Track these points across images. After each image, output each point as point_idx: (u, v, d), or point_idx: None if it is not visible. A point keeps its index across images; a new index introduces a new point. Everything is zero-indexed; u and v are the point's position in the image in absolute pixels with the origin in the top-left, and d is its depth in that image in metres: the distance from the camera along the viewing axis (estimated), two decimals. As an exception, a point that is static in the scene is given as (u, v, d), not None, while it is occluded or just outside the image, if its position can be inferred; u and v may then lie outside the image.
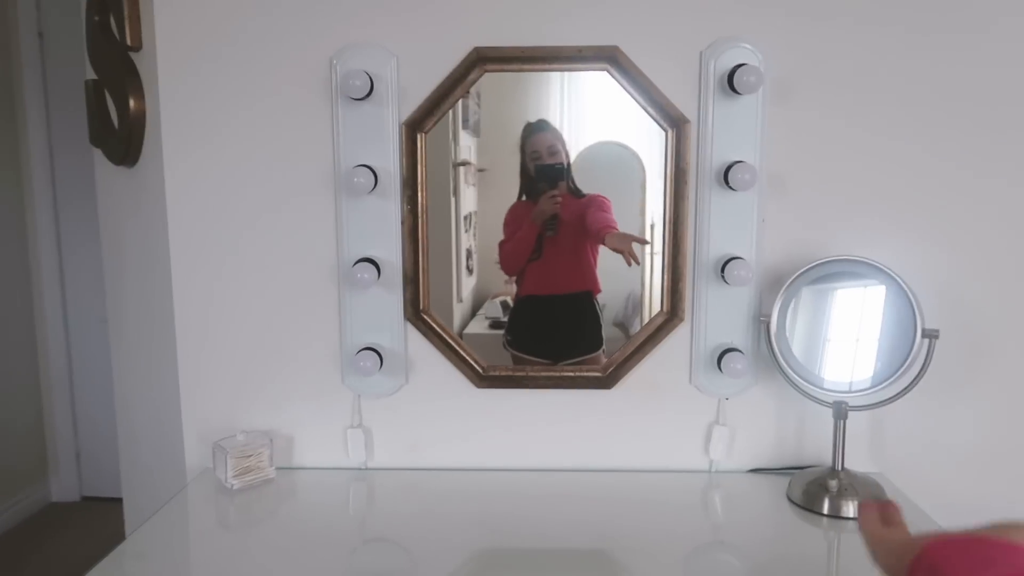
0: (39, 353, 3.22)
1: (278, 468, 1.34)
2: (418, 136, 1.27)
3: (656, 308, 1.31)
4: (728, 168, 1.22)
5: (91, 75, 1.44)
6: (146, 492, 1.63)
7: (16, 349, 3.12)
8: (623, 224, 1.29)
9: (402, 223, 1.29)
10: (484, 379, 1.33)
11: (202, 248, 1.33)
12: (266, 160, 1.30)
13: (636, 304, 1.32)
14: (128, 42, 1.30)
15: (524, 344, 1.33)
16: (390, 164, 1.28)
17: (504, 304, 1.33)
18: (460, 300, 1.33)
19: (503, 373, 1.33)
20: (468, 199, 1.31)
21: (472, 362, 1.33)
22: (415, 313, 1.32)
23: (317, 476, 1.35)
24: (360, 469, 1.37)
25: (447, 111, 1.27)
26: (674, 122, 1.25)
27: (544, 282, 1.32)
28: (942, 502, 1.22)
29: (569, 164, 1.28)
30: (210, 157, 1.30)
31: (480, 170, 1.30)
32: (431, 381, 1.35)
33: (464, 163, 1.30)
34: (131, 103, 1.31)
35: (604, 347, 1.33)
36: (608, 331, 1.33)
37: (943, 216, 1.27)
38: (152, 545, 1.11)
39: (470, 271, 1.33)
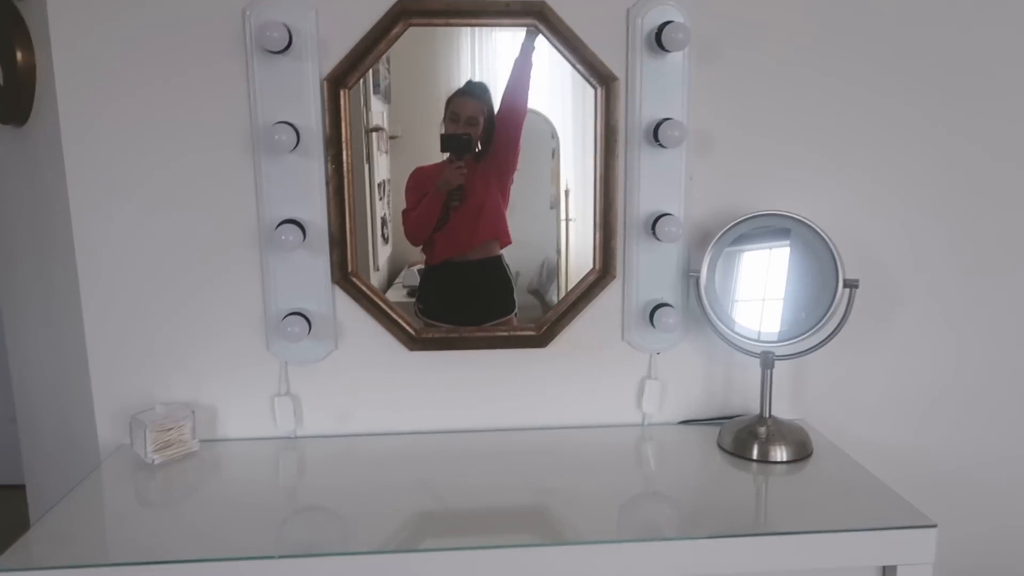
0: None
1: (201, 441, 1.28)
2: (341, 92, 1.22)
3: (573, 273, 1.32)
4: (658, 125, 1.23)
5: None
6: (53, 476, 1.53)
7: None
8: (534, 192, 1.28)
9: (327, 183, 1.24)
10: (416, 342, 1.30)
11: (107, 211, 1.24)
12: (176, 117, 1.22)
13: (552, 271, 1.32)
14: (13, -13, 1.19)
15: (436, 311, 1.31)
16: (311, 122, 1.22)
17: (420, 271, 1.31)
18: (377, 269, 1.30)
19: (435, 336, 1.31)
20: (381, 167, 1.27)
21: (404, 324, 1.30)
22: (343, 276, 1.27)
23: (244, 447, 1.30)
24: (289, 438, 1.33)
25: (370, 67, 1.22)
26: (603, 79, 1.25)
27: (451, 249, 1.30)
28: (858, 447, 1.28)
29: (488, 135, 1.25)
30: (111, 113, 1.21)
31: (392, 137, 1.26)
32: (361, 346, 1.31)
33: (376, 129, 1.26)
34: (18, 55, 1.19)
35: (516, 311, 1.32)
36: (523, 299, 1.32)
37: (862, 170, 1.32)
38: (67, 526, 1.04)
39: (385, 240, 1.29)
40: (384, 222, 1.29)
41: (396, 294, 1.31)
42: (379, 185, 1.28)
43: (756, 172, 1.31)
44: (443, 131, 1.25)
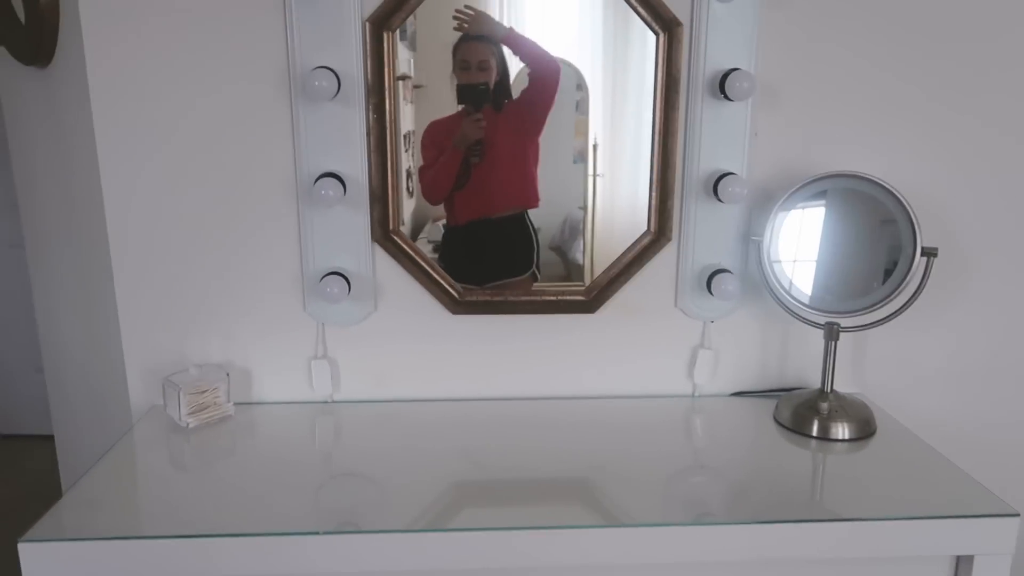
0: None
1: (236, 404, 1.24)
2: (384, 35, 1.13)
3: (600, 231, 1.24)
4: (724, 76, 1.14)
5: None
6: (82, 429, 1.50)
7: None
8: (557, 145, 1.21)
9: (368, 134, 1.17)
10: (460, 304, 1.24)
11: (137, 160, 1.17)
12: (209, 59, 1.14)
13: (575, 228, 1.24)
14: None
15: (454, 268, 1.24)
16: (352, 67, 1.14)
17: (444, 229, 1.24)
18: (403, 224, 1.23)
19: (479, 299, 1.24)
20: (407, 117, 1.19)
21: (447, 287, 1.23)
22: (384, 234, 1.21)
23: (279, 411, 1.25)
24: (326, 403, 1.28)
25: (417, 6, 1.13)
26: (666, 24, 1.15)
27: (472, 208, 1.23)
28: (922, 424, 1.22)
29: (503, 79, 1.17)
30: (141, 55, 1.13)
31: (417, 86, 1.18)
32: (402, 308, 1.25)
33: (404, 77, 1.18)
34: (42, -10, 1.12)
35: (536, 270, 1.25)
36: (545, 255, 1.25)
37: (941, 132, 1.23)
38: (101, 493, 1.00)
39: (410, 193, 1.22)
40: (409, 174, 1.22)
41: (422, 249, 1.24)
42: (404, 136, 1.20)
43: (826, 130, 1.22)
44: (456, 81, 1.17)
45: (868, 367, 1.32)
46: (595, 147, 1.22)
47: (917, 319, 1.28)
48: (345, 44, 1.13)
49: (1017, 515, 0.94)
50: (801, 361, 1.30)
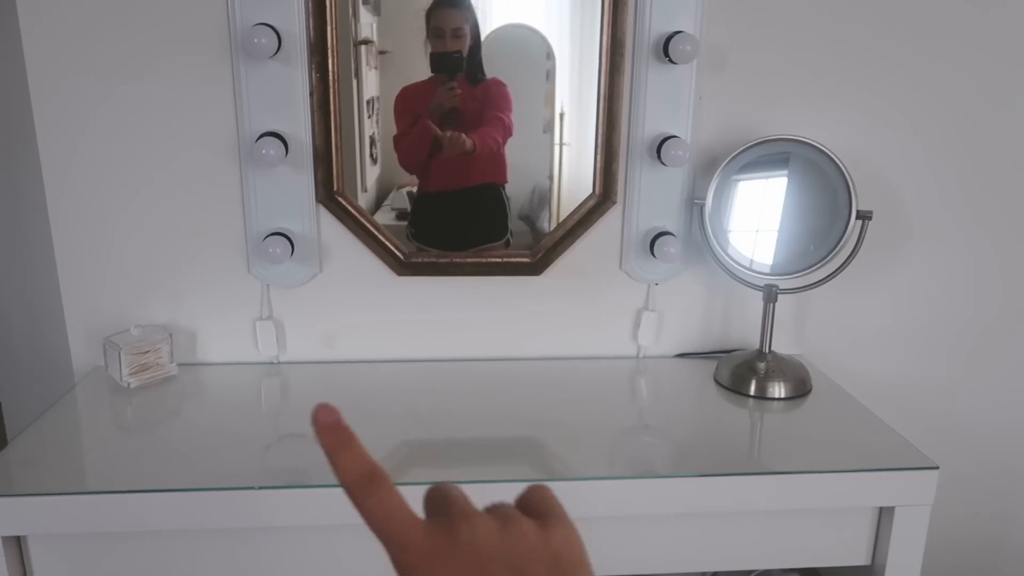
0: None
1: (180, 364, 1.23)
2: (326, -9, 1.12)
3: (566, 200, 1.25)
4: (668, 39, 1.14)
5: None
6: (29, 393, 1.48)
7: None
8: (527, 116, 1.20)
9: (310, 94, 1.15)
10: (405, 266, 1.24)
11: (75, 123, 1.15)
12: (146, 19, 1.12)
13: (543, 197, 1.25)
14: None
15: (428, 236, 1.25)
16: (294, 25, 1.12)
17: (410, 194, 1.24)
18: (365, 190, 1.22)
19: (425, 260, 1.25)
20: (371, 83, 1.18)
21: (392, 248, 1.23)
22: (328, 195, 1.20)
23: (224, 372, 1.25)
24: (272, 363, 1.28)
25: (359, -38, 1.12)
26: (612, -14, 1.15)
27: (447, 177, 1.23)
28: (859, 384, 1.25)
29: (476, 46, 1.16)
30: (77, 17, 1.11)
31: (382, 52, 1.17)
32: (347, 269, 1.25)
33: (365, 42, 1.16)
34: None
35: (510, 236, 1.26)
36: (514, 225, 1.26)
37: (884, 97, 1.24)
38: (41, 449, 1.00)
39: (374, 160, 1.22)
40: (373, 141, 1.21)
41: (384, 216, 1.24)
42: (368, 102, 1.19)
43: (770, 94, 1.23)
44: (430, 48, 1.16)
45: (809, 329, 1.35)
46: (562, 116, 1.22)
47: (857, 282, 1.31)
48: (286, 2, 1.12)
49: (936, 468, 0.97)
50: (744, 323, 1.33)
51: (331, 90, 1.15)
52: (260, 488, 0.91)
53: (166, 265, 1.22)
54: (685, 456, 1.05)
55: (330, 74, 1.15)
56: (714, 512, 0.99)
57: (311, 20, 1.12)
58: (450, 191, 1.25)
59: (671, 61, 1.15)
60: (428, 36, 1.16)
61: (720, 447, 1.06)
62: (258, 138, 1.13)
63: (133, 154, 1.17)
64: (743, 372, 1.20)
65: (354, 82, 1.18)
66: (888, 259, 1.32)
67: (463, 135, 1.19)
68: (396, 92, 1.18)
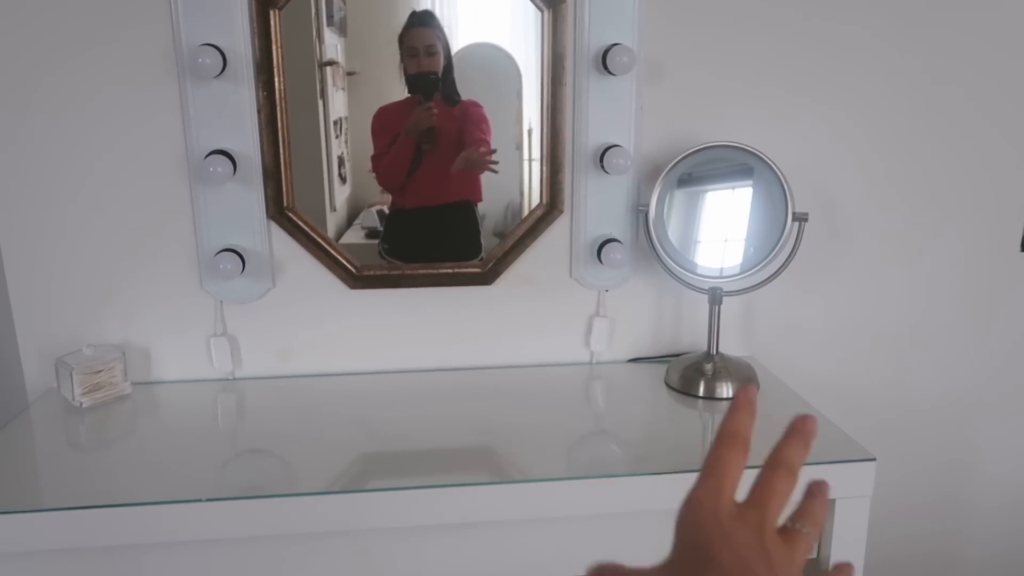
0: None
1: (134, 383, 1.24)
2: (271, 13, 1.14)
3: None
4: (606, 51, 1.17)
5: None
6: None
7: None
8: (500, 134, 1.23)
9: (258, 111, 1.17)
10: (358, 279, 1.26)
11: (22, 140, 1.16)
12: (94, 36, 1.13)
13: (516, 213, 1.28)
14: None
15: (400, 252, 1.27)
16: (239, 44, 1.14)
17: (380, 213, 1.26)
18: (334, 209, 1.24)
19: (378, 273, 1.26)
20: (338, 104, 1.20)
21: (344, 262, 1.25)
22: (279, 211, 1.22)
23: (179, 389, 1.26)
24: (227, 380, 1.29)
25: (302, -16, 1.14)
26: (550, 2, 1.18)
27: (423, 194, 1.25)
28: (807, 383, 1.28)
29: (449, 66, 1.19)
30: (23, 36, 1.12)
31: (350, 73, 1.19)
32: (300, 284, 1.26)
33: (330, 63, 1.19)
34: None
35: (483, 255, 1.28)
36: (488, 241, 1.28)
37: (819, 101, 1.28)
38: (-4, 468, 1.00)
39: (343, 179, 1.24)
40: (342, 161, 1.23)
41: (354, 235, 1.26)
42: (335, 123, 1.21)
43: (711, 103, 1.26)
44: (404, 70, 1.18)
45: (758, 330, 1.37)
46: (529, 132, 1.25)
47: (802, 283, 1.34)
48: (232, 22, 1.14)
49: (873, 459, 1.00)
50: (694, 326, 1.35)
51: (278, 108, 1.17)
52: (207, 500, 0.91)
53: (118, 284, 1.23)
54: (638, 458, 1.07)
55: (276, 92, 1.17)
56: (662, 510, 1.01)
57: (257, 40, 1.14)
58: (425, 207, 1.26)
59: (610, 72, 1.18)
60: (402, 56, 1.18)
61: (671, 447, 1.08)
62: (206, 156, 1.15)
63: (82, 174, 1.18)
64: (691, 375, 1.22)
65: (319, 103, 1.20)
66: (830, 260, 1.36)
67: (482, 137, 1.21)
68: (365, 113, 1.20)
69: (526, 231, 1.27)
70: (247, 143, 1.18)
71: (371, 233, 1.27)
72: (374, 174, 1.23)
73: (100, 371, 1.18)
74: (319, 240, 1.24)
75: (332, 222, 1.25)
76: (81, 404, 1.16)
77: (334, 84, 1.20)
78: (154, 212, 1.21)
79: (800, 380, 1.28)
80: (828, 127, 1.30)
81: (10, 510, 0.89)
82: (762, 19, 1.24)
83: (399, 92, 1.20)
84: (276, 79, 1.16)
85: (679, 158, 1.20)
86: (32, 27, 1.12)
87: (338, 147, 1.22)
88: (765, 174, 1.19)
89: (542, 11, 1.19)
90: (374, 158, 1.22)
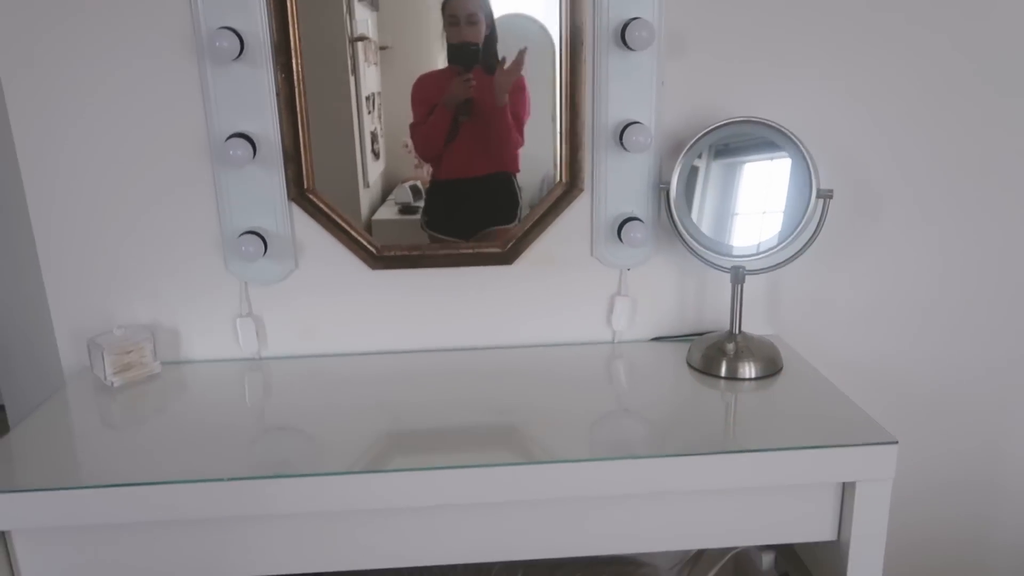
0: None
1: (164, 363, 1.27)
2: (287, -7, 1.14)
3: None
4: (625, 25, 1.15)
5: None
6: (28, 397, 1.53)
7: None
8: (536, 106, 1.22)
9: (277, 94, 1.18)
10: (379, 260, 1.27)
11: (53, 133, 1.19)
12: (116, 25, 1.15)
13: (551, 185, 1.26)
14: None
15: (440, 224, 1.27)
16: (258, 27, 1.15)
17: (414, 188, 1.26)
18: (367, 185, 1.24)
19: (398, 253, 1.27)
20: (370, 78, 1.20)
21: (365, 243, 1.26)
22: (299, 193, 1.23)
23: (207, 368, 1.29)
24: (253, 359, 1.31)
25: (318, -37, 1.14)
26: (569, -25, 1.16)
27: (461, 165, 1.25)
28: (834, 362, 1.26)
29: (492, 36, 1.18)
30: (47, 27, 1.14)
31: (382, 47, 1.19)
32: (322, 265, 1.28)
33: (362, 38, 1.18)
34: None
35: (519, 222, 1.27)
36: (527, 213, 1.27)
37: (845, 75, 1.24)
38: (31, 446, 1.04)
39: (376, 155, 1.24)
40: (375, 137, 1.23)
41: (388, 211, 1.26)
42: (367, 98, 1.21)
43: (735, 79, 1.23)
44: (446, 39, 1.18)
45: (784, 309, 1.35)
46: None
47: (828, 260, 1.31)
48: (249, 4, 1.14)
49: (895, 443, 0.98)
50: (717, 305, 1.34)
51: (296, 90, 1.18)
52: (229, 480, 0.94)
53: (148, 266, 1.26)
54: (656, 438, 1.06)
55: (295, 74, 1.17)
56: (679, 491, 1.01)
57: (274, 22, 1.14)
58: (463, 179, 1.26)
59: (629, 47, 1.16)
60: (444, 26, 1.17)
61: (691, 428, 1.07)
62: (226, 139, 1.16)
63: (110, 160, 1.20)
64: (713, 354, 1.21)
65: (351, 79, 1.19)
66: (858, 237, 1.32)
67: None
68: (399, 87, 1.20)
69: (546, 210, 1.26)
70: (267, 125, 1.19)
71: (405, 208, 1.27)
72: (412, 143, 1.23)
73: (130, 351, 1.21)
74: (340, 221, 1.25)
75: (365, 198, 1.25)
76: (112, 383, 1.19)
77: (366, 59, 1.20)
78: (179, 195, 1.23)
79: (827, 359, 1.26)
80: (854, 102, 1.26)
81: (43, 488, 0.93)
82: (788, -12, 1.20)
83: (432, 64, 1.19)
84: (294, 61, 1.16)
85: (700, 135, 1.17)
86: (57, 15, 1.14)
87: (371, 123, 1.22)
88: (789, 150, 1.16)
89: (560, -15, 1.17)
90: (412, 126, 1.22)
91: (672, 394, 1.20)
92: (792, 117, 1.19)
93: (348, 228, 1.25)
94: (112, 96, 1.18)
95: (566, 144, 1.23)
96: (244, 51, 1.14)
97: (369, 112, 1.22)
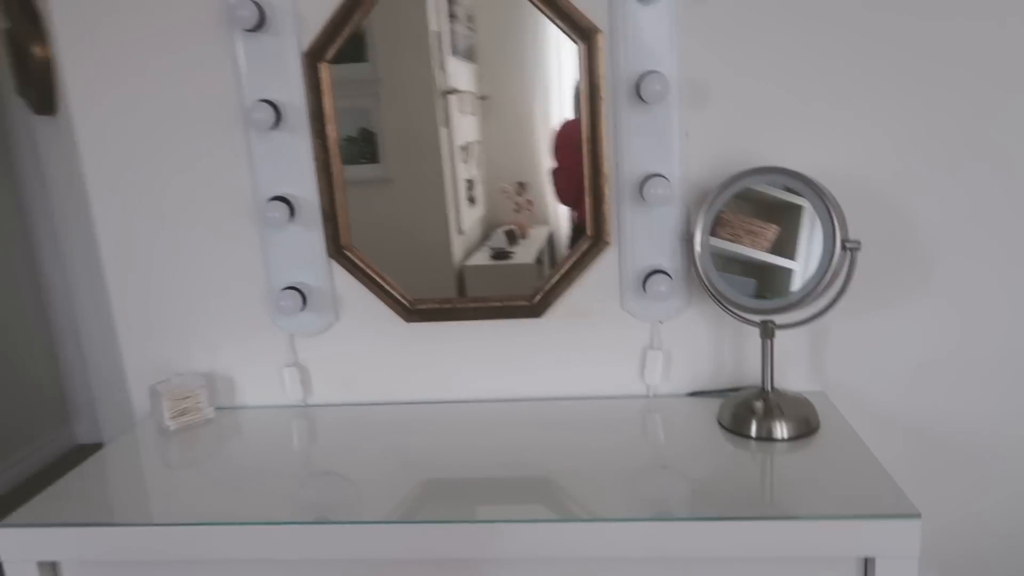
0: (47, 307, 3.29)
1: (218, 408, 1.36)
2: (319, 66, 1.22)
3: None
4: (639, 79, 1.15)
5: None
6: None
7: (25, 308, 3.17)
8: None
9: (315, 159, 1.26)
10: (412, 313, 1.31)
11: (121, 194, 1.33)
12: (173, 102, 1.28)
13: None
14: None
15: None
16: (295, 98, 1.24)
17: (509, 233, 1.29)
18: (461, 232, 1.29)
19: (430, 307, 1.31)
20: (466, 128, 1.26)
21: (399, 296, 1.31)
22: (337, 250, 1.30)
23: (257, 414, 1.37)
24: (300, 406, 1.39)
25: (348, 36, 1.21)
26: (585, 34, 1.18)
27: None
28: (882, 420, 1.17)
29: None
30: (118, 105, 1.29)
31: (482, 97, 1.25)
32: (361, 317, 1.34)
33: (452, 91, 1.25)
34: (35, 50, 1.28)
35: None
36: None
37: (873, 121, 1.18)
38: (89, 484, 1.14)
39: (471, 201, 1.29)
40: (471, 184, 1.29)
41: (481, 256, 1.30)
42: (463, 147, 1.27)
43: (760, 124, 1.20)
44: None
45: (829, 363, 1.28)
46: None
47: (877, 312, 1.24)
48: (287, 76, 1.23)
49: (918, 516, 0.90)
50: (756, 359, 1.28)
51: (330, 154, 1.25)
52: (276, 524, 0.99)
53: (205, 318, 1.37)
54: (661, 502, 1.02)
55: (328, 139, 1.25)
56: (673, 559, 0.97)
57: (308, 92, 1.23)
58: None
59: (643, 101, 1.15)
60: None
61: (727, 493, 1.02)
62: (268, 201, 1.25)
63: (168, 220, 1.33)
64: (743, 413, 1.16)
65: (443, 130, 1.26)
66: (910, 286, 1.23)
67: None
68: (500, 135, 1.24)
69: (573, 264, 1.27)
70: (307, 188, 1.27)
71: (497, 254, 1.30)
72: (555, 187, 1.25)
73: (187, 397, 1.32)
74: (375, 276, 1.30)
75: (460, 244, 1.29)
76: (170, 428, 1.30)
77: (460, 110, 1.25)
78: (232, 252, 1.33)
79: (877, 417, 1.17)
80: (892, 143, 1.18)
81: (86, 523, 1.02)
82: (806, 32, 1.16)
83: (531, 112, 1.22)
84: (327, 128, 1.24)
85: (720, 186, 1.15)
86: (124, 93, 1.28)
87: (466, 170, 1.28)
88: (813, 199, 1.11)
89: (577, 44, 1.18)
90: (555, 172, 1.25)
91: (704, 455, 1.15)
92: (826, 161, 1.14)
93: (382, 283, 1.31)
94: (173, 161, 1.30)
95: (590, 199, 1.24)
96: (281, 120, 1.23)
97: (465, 161, 1.27)
